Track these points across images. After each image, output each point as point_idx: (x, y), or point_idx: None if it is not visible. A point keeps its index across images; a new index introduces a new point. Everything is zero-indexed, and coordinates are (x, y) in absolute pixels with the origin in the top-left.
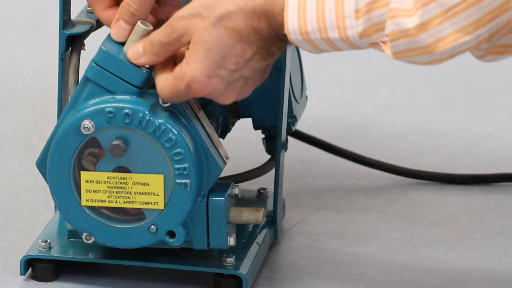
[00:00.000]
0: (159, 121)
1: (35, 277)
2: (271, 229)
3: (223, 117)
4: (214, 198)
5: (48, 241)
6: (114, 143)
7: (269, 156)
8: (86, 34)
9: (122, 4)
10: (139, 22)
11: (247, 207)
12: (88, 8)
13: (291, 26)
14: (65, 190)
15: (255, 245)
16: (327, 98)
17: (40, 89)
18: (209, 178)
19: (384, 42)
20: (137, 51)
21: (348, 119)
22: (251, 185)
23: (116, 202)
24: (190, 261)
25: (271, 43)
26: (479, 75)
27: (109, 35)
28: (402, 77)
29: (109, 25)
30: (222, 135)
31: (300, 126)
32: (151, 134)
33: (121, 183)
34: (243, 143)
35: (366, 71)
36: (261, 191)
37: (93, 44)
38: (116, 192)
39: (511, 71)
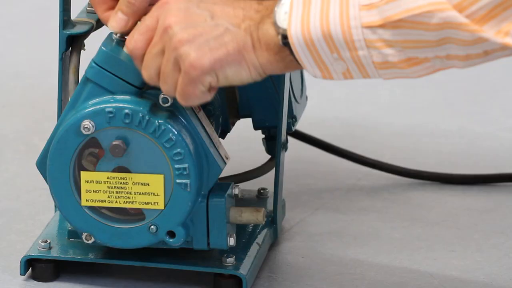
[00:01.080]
0: (159, 121)
1: (35, 277)
2: (271, 229)
3: (223, 117)
4: (214, 198)
5: (48, 241)
6: (114, 143)
7: (269, 156)
8: (86, 34)
9: None
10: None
11: (247, 207)
12: (88, 8)
13: None
14: (65, 190)
15: (255, 245)
16: (327, 98)
17: (40, 89)
18: (209, 178)
19: (377, 3)
20: (116, 16)
21: (348, 119)
22: (251, 185)
23: (116, 202)
24: (190, 261)
25: (247, 19)
26: (479, 75)
27: (109, 35)
28: None
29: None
30: (222, 135)
31: (300, 126)
32: (151, 134)
33: (121, 183)
34: (243, 143)
35: None
36: (261, 191)
37: (93, 44)
38: (116, 192)
39: (511, 71)
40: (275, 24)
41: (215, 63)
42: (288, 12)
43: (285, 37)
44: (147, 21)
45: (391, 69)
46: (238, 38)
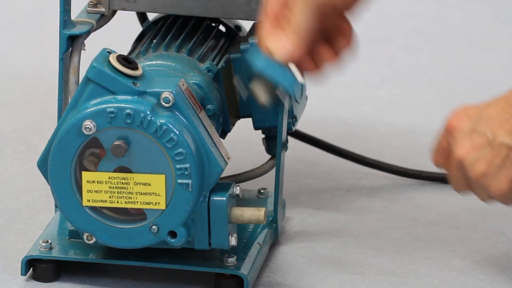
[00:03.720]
0: (161, 121)
1: (36, 277)
2: (272, 229)
3: (224, 117)
4: (215, 198)
5: (49, 241)
6: (115, 143)
7: (269, 156)
8: (86, 34)
9: None
10: None
11: (248, 207)
12: (88, 8)
13: None
14: (66, 190)
15: (256, 245)
16: (327, 98)
17: (40, 89)
18: (210, 178)
19: None
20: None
21: (348, 119)
22: (251, 185)
23: (118, 202)
24: (191, 261)
25: None
26: (479, 75)
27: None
28: (402, 77)
29: None
30: (223, 135)
31: (300, 126)
32: (153, 134)
33: (122, 183)
34: (243, 143)
35: (366, 71)
36: (261, 191)
37: (93, 44)
38: (118, 192)
39: (511, 71)
40: None
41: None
42: None
43: None
44: (441, 143)
45: None
46: None
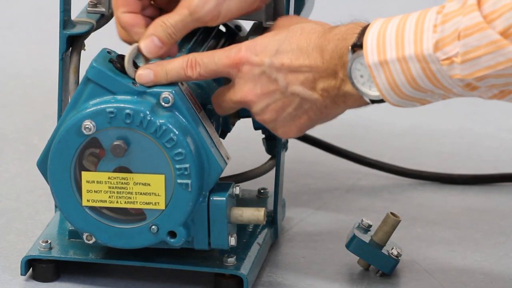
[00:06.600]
0: (160, 121)
1: (35, 277)
2: (271, 229)
3: (224, 117)
4: (215, 198)
5: (49, 241)
6: (115, 143)
7: (269, 156)
8: (86, 34)
9: (158, 21)
10: None
11: (248, 207)
12: (88, 8)
13: (370, 45)
14: (66, 190)
15: (255, 245)
16: None
17: (40, 89)
18: (210, 178)
19: (455, 57)
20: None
21: (348, 119)
22: (251, 185)
23: (117, 202)
24: (191, 261)
25: (325, 75)
26: None
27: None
28: None
29: (124, 29)
30: (223, 135)
31: None
32: (152, 134)
33: (122, 183)
34: (243, 143)
35: None
36: (261, 191)
37: (93, 44)
38: (117, 192)
39: None
40: (358, 90)
41: (301, 130)
42: (364, 76)
43: (374, 100)
44: (223, 68)
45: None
46: (317, 103)
